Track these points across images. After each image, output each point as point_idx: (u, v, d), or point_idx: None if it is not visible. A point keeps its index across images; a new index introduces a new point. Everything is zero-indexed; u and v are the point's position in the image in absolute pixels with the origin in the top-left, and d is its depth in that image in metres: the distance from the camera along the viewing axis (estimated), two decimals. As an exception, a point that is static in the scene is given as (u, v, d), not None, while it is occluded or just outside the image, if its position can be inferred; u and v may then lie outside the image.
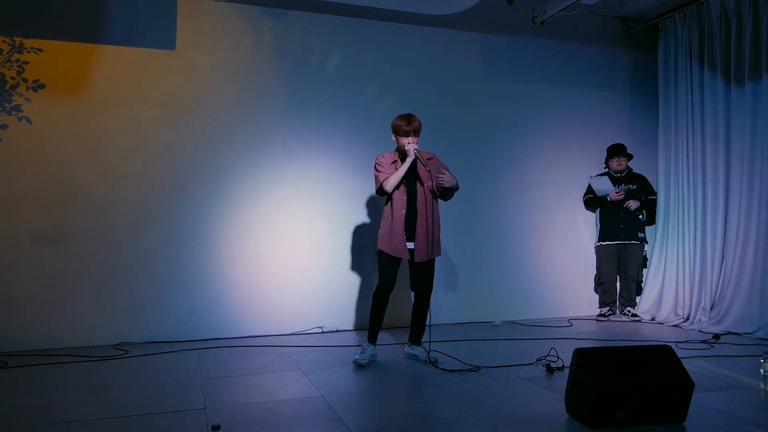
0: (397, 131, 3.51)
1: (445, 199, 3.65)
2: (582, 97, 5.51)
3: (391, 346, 4.10)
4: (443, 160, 5.00)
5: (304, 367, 3.47)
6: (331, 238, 4.73)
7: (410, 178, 3.53)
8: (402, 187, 3.50)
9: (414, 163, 3.49)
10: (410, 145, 3.45)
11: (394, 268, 3.52)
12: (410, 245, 3.53)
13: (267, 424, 2.46)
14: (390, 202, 3.53)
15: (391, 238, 3.48)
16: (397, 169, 3.49)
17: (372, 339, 3.59)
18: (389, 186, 3.45)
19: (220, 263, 4.45)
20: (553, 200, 5.39)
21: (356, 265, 4.78)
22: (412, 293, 3.67)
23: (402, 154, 3.54)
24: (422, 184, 3.52)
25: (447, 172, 3.51)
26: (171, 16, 4.41)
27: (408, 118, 3.50)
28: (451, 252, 5.05)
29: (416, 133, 3.50)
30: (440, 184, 3.46)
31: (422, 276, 3.56)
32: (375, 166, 3.57)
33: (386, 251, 3.49)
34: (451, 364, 3.46)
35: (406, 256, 3.49)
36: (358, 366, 3.45)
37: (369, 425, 2.45)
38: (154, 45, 4.36)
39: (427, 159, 3.49)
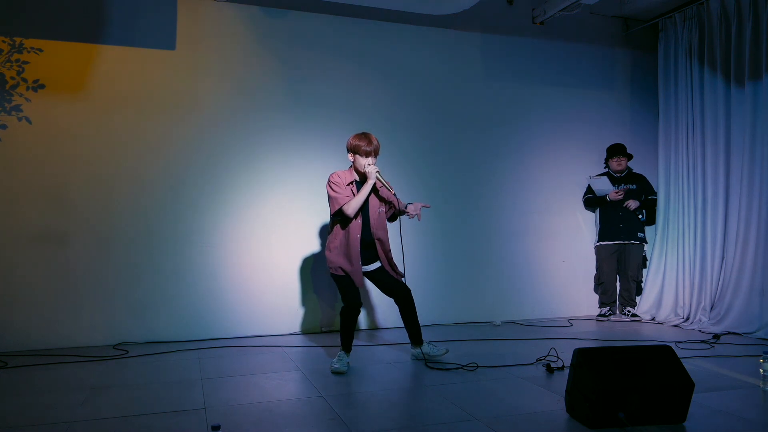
0: (357, 151, 3.33)
1: (392, 220, 3.58)
2: (582, 97, 5.51)
3: (391, 347, 4.11)
4: (443, 160, 5.06)
5: (304, 367, 3.47)
6: (331, 238, 4.73)
7: (365, 202, 3.37)
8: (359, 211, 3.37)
9: (372, 187, 3.36)
10: (371, 167, 3.30)
11: (358, 289, 3.41)
12: (366, 268, 3.47)
13: (267, 424, 2.46)
14: (342, 225, 3.38)
15: (348, 263, 3.34)
16: (354, 191, 3.35)
17: (347, 349, 3.42)
18: (351, 210, 3.29)
19: (220, 263, 4.45)
20: (553, 200, 5.39)
21: (356, 265, 4.77)
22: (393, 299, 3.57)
23: (360, 175, 3.39)
24: (377, 207, 3.44)
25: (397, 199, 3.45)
26: (171, 16, 4.41)
27: (367, 137, 3.34)
28: (451, 252, 5.05)
29: (376, 153, 3.35)
30: (406, 212, 3.39)
31: (391, 280, 3.50)
32: (330, 185, 3.35)
33: (349, 276, 3.35)
34: (448, 362, 3.47)
35: (362, 284, 3.39)
36: (338, 374, 3.31)
37: (369, 425, 2.45)
38: (154, 45, 4.36)
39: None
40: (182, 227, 4.38)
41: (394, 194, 3.41)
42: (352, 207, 3.30)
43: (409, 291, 3.53)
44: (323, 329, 4.66)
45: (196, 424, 2.47)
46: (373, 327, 4.79)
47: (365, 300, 4.76)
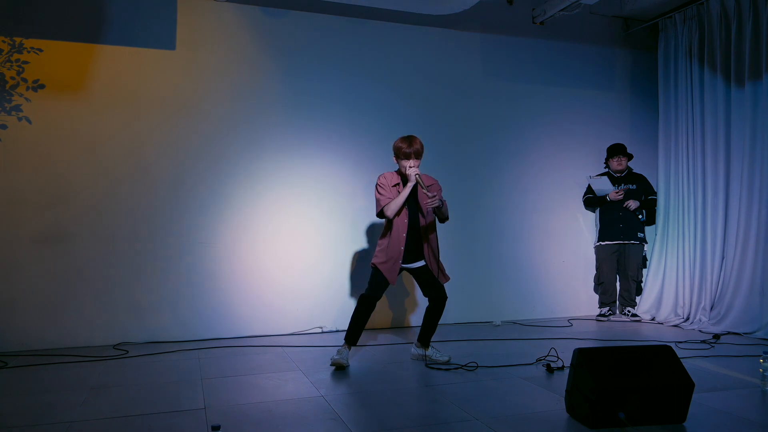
0: (398, 153, 3.43)
1: (442, 222, 3.62)
2: (582, 97, 5.51)
3: (391, 347, 4.10)
4: (443, 160, 5.05)
5: (304, 367, 3.47)
6: (331, 237, 4.73)
7: (412, 201, 3.47)
8: (404, 211, 3.44)
9: (415, 187, 3.44)
10: (412, 169, 3.38)
11: (386, 284, 3.46)
12: (410, 265, 3.51)
13: (267, 424, 2.46)
14: (391, 223, 3.46)
15: (387, 260, 3.42)
16: (399, 192, 3.42)
17: (352, 342, 3.48)
18: (391, 212, 3.38)
19: (220, 263, 4.45)
20: (553, 200, 5.39)
21: (356, 265, 4.78)
22: (427, 298, 3.60)
23: (404, 177, 3.45)
24: (423, 208, 3.47)
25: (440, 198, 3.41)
26: (171, 16, 4.41)
27: (409, 140, 3.42)
28: (451, 252, 5.02)
29: (417, 155, 3.40)
30: (431, 205, 3.32)
31: (432, 281, 3.52)
32: (376, 188, 3.47)
33: (383, 272, 3.42)
34: (449, 363, 3.47)
35: (393, 282, 3.44)
36: (338, 366, 3.36)
37: (369, 425, 2.45)
38: (154, 45, 4.36)
39: (428, 185, 3.41)
40: (182, 227, 4.37)
41: (433, 197, 3.31)
42: (391, 209, 3.39)
43: (445, 298, 3.56)
44: (323, 329, 4.66)
45: (196, 424, 2.47)
46: (374, 327, 4.79)
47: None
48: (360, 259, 4.78)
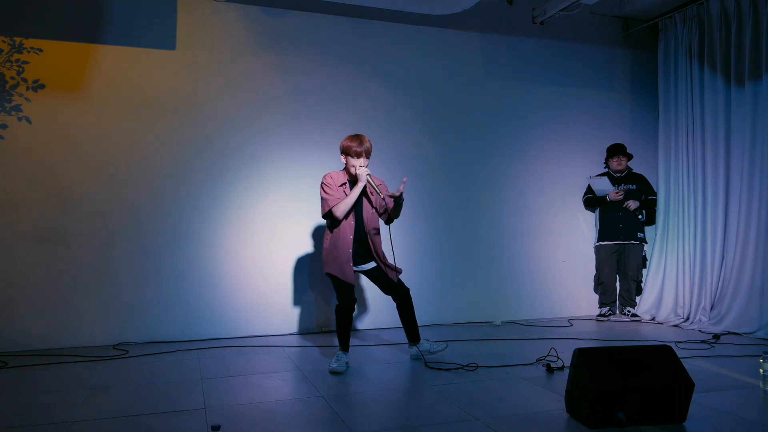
0: (348, 152, 3.35)
1: (388, 222, 3.55)
2: (582, 97, 5.51)
3: (390, 347, 4.11)
4: (443, 161, 5.05)
5: (304, 367, 3.47)
6: (331, 238, 4.73)
7: (357, 202, 3.40)
8: (350, 213, 3.37)
9: (363, 188, 3.37)
10: (362, 169, 3.32)
11: (349, 286, 3.39)
12: (362, 267, 3.48)
13: (267, 424, 2.46)
14: (335, 225, 3.38)
15: (339, 265, 3.34)
16: (346, 192, 3.36)
17: (345, 348, 3.42)
18: (340, 212, 3.30)
19: (219, 263, 4.45)
20: (553, 200, 5.39)
21: (356, 265, 4.77)
22: (391, 296, 3.58)
23: (351, 177, 3.39)
24: (370, 208, 3.44)
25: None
26: (171, 16, 4.41)
27: (359, 139, 3.35)
28: (451, 252, 5.05)
29: (368, 154, 3.35)
30: (393, 196, 3.30)
31: (388, 280, 3.49)
32: (322, 186, 3.38)
33: (338, 276, 3.35)
34: (448, 362, 3.47)
35: (353, 282, 3.38)
36: (337, 374, 3.30)
37: (369, 425, 2.45)
38: (154, 45, 4.36)
39: (377, 184, 3.36)
40: (182, 227, 4.38)
41: (385, 197, 3.39)
42: (340, 209, 3.32)
43: (407, 291, 3.55)
44: (323, 329, 4.66)
45: (196, 424, 2.47)
46: (373, 327, 4.79)
47: (363, 300, 4.77)
48: (360, 259, 4.77)
